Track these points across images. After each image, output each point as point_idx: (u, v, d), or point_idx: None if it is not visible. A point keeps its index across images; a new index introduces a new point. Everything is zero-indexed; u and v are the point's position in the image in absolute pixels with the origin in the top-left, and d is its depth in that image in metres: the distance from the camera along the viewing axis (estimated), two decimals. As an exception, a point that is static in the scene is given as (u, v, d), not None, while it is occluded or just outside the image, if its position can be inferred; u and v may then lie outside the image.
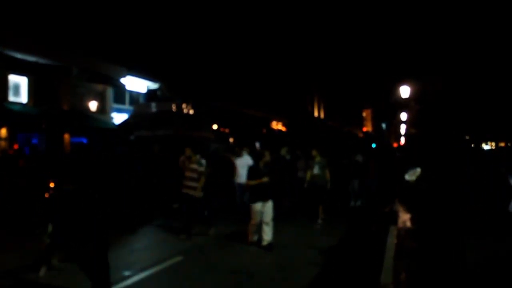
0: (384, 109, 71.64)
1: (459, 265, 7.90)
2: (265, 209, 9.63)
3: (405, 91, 35.02)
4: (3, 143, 18.91)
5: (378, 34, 71.51)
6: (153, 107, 25.28)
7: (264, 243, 9.61)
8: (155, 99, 27.87)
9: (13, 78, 20.33)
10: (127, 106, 27.65)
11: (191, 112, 26.14)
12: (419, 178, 18.41)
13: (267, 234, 9.61)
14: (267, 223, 9.63)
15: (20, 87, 20.68)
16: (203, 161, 11.20)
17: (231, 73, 33.45)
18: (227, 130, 30.20)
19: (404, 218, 13.31)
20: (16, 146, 17.85)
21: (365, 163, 17.74)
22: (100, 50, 23.72)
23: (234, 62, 33.86)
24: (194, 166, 10.91)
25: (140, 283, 7.34)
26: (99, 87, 24.95)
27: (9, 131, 19.32)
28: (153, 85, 29.25)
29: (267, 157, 10.18)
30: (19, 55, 19.98)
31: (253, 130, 31.38)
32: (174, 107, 24.66)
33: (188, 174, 10.87)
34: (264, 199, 9.66)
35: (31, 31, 20.35)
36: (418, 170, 18.51)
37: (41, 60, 20.82)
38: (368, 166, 17.79)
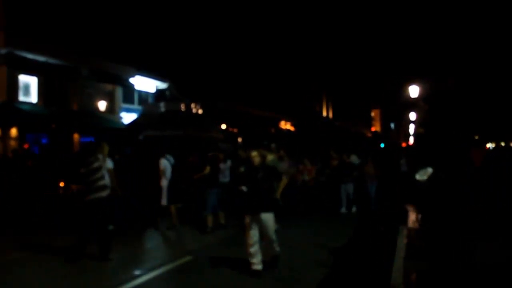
0: (393, 109, 71.43)
1: (469, 265, 7.84)
2: (263, 224, 7.67)
3: (414, 91, 34.88)
4: (13, 143, 19.01)
5: (387, 34, 71.26)
6: (162, 107, 25.34)
7: (266, 258, 7.89)
8: (164, 99, 27.95)
9: (23, 78, 20.45)
10: (136, 106, 27.72)
11: (200, 112, 26.18)
12: (430, 178, 18.10)
13: (271, 248, 7.92)
14: (271, 242, 7.85)
15: (30, 87, 20.79)
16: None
17: (240, 74, 33.43)
18: (235, 130, 30.20)
19: (415, 218, 13.25)
20: (26, 146, 17.95)
21: (361, 165, 15.97)
22: (109, 51, 23.81)
23: (243, 62, 33.84)
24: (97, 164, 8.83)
25: (149, 282, 7.34)
26: (108, 87, 25.04)
27: (19, 131, 19.42)
28: (162, 85, 29.31)
29: (255, 159, 8.13)
30: (29, 56, 20.09)
31: (262, 130, 31.35)
32: (182, 107, 24.72)
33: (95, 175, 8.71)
34: (251, 211, 7.76)
35: (41, 32, 20.45)
36: (430, 169, 18.20)
37: (51, 61, 20.94)
38: (364, 168, 15.82)
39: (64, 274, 7.71)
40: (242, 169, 9.29)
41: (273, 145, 14.17)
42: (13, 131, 19.47)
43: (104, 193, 8.51)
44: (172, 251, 9.57)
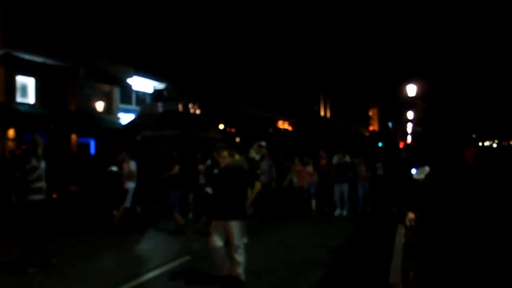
0: (391, 108, 71.55)
1: (468, 264, 7.87)
2: (229, 231, 7.00)
3: (411, 90, 34.98)
4: (11, 144, 18.99)
5: (384, 33, 71.31)
6: (160, 107, 25.36)
7: (232, 272, 7.03)
8: (162, 99, 27.95)
9: (20, 79, 20.43)
10: (133, 106, 27.72)
11: (198, 112, 26.21)
12: (427, 177, 18.06)
13: (236, 264, 6.98)
14: (235, 249, 6.98)
15: (27, 88, 20.77)
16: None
17: (237, 73, 33.44)
18: (233, 130, 30.22)
19: (413, 217, 13.29)
20: (24, 147, 17.90)
21: (353, 165, 15.24)
22: (107, 51, 23.79)
23: (240, 62, 33.85)
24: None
25: (149, 282, 7.36)
26: (106, 87, 25.02)
27: (16, 132, 19.40)
28: (160, 85, 29.31)
29: (222, 160, 7.44)
30: (26, 56, 20.06)
31: (260, 130, 31.37)
32: (180, 107, 24.74)
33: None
34: (216, 217, 7.20)
35: (38, 33, 20.41)
36: (427, 168, 18.14)
37: (48, 61, 20.91)
38: (356, 168, 15.20)
39: (64, 274, 7.73)
40: (215, 170, 8.30)
41: (263, 143, 13.89)
42: (11, 132, 19.45)
43: (38, 196, 8.05)
44: (172, 251, 9.58)
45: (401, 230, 10.78)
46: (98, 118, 23.48)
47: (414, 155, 29.17)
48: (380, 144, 46.88)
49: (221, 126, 28.89)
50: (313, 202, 15.04)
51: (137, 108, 27.54)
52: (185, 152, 14.19)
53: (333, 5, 48.30)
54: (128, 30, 25.04)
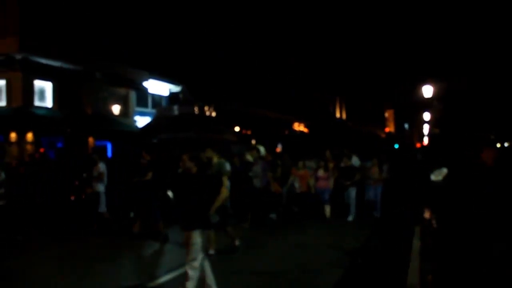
0: (407, 109, 71.05)
1: (485, 266, 7.79)
2: (188, 241, 6.34)
3: (427, 91, 34.69)
4: (29, 147, 19.20)
5: (400, 35, 70.93)
6: (175, 110, 25.43)
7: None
8: (177, 102, 28.05)
9: (38, 83, 20.66)
10: (149, 109, 27.87)
11: (213, 114, 26.24)
12: (445, 178, 17.78)
13: (186, 276, 6.27)
14: (189, 261, 6.28)
15: (45, 92, 21.01)
16: None
17: (253, 76, 33.47)
18: (249, 132, 30.22)
19: (430, 218, 13.18)
20: (42, 150, 18.11)
21: (361, 168, 14.38)
22: (123, 55, 23.97)
23: (256, 64, 33.88)
24: None
25: (166, 284, 7.38)
26: (122, 91, 25.20)
27: (34, 135, 19.61)
28: (175, 88, 29.45)
29: (187, 164, 6.62)
30: (44, 61, 20.28)
31: (275, 132, 31.34)
32: (196, 110, 24.77)
33: None
34: (178, 224, 6.73)
35: (55, 37, 20.64)
36: (444, 170, 17.89)
37: (65, 65, 21.12)
38: (368, 171, 14.30)
39: (82, 274, 7.79)
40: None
41: (261, 148, 13.48)
42: (29, 136, 19.67)
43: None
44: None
45: (418, 232, 10.69)
46: (114, 121, 23.65)
47: (431, 156, 28.92)
48: (396, 146, 46.54)
49: (237, 129, 28.91)
50: (327, 209, 13.58)
51: (153, 111, 27.68)
52: (162, 156, 13.48)
53: (349, 7, 48.18)
54: (144, 34, 25.20)
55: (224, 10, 30.47)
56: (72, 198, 13.15)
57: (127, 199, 12.51)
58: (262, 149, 14.07)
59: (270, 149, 18.82)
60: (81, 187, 13.21)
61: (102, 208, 11.88)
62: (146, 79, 26.32)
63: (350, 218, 13.46)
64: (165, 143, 21.42)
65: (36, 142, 19.66)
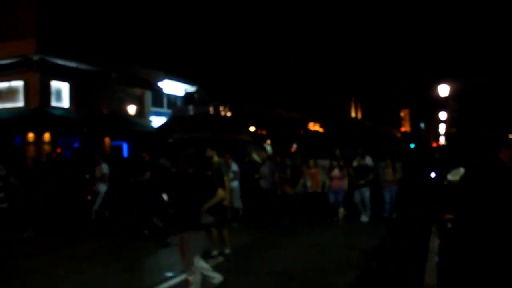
0: (423, 109, 70.59)
1: (504, 266, 7.70)
2: (184, 244, 6.15)
3: (443, 90, 34.43)
4: (46, 147, 19.37)
5: (416, 33, 70.49)
6: (191, 110, 25.51)
7: None
8: (193, 102, 28.13)
9: (55, 84, 20.82)
10: (165, 109, 27.98)
11: (228, 114, 26.26)
12: (462, 178, 17.51)
13: (187, 284, 6.10)
14: (186, 266, 6.13)
15: (62, 92, 21.17)
16: None
17: (267, 75, 33.45)
18: (264, 132, 30.19)
19: (447, 218, 13.05)
20: (59, 150, 18.27)
21: (375, 168, 14.06)
22: (138, 55, 24.09)
23: (271, 64, 33.87)
24: None
25: (182, 284, 7.39)
26: (138, 91, 25.32)
27: (52, 136, 19.78)
28: (191, 88, 29.53)
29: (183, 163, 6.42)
30: (60, 62, 20.44)
31: (291, 132, 31.29)
32: (211, 110, 24.82)
33: None
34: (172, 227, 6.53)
35: (71, 39, 20.80)
36: (462, 170, 17.65)
37: (82, 66, 21.27)
38: (377, 171, 13.97)
39: (99, 272, 7.85)
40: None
41: (267, 147, 13.26)
42: (46, 136, 19.84)
43: None
44: (204, 252, 9.61)
45: (435, 232, 10.60)
46: (130, 121, 23.78)
47: (448, 156, 28.67)
48: (412, 145, 46.24)
49: (252, 129, 28.90)
50: (341, 211, 13.28)
51: (168, 111, 27.78)
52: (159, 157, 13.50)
53: (364, 5, 47.97)
54: (159, 34, 25.31)
55: (237, 11, 30.50)
56: (89, 198, 13.22)
57: (126, 199, 12.53)
58: (269, 149, 13.90)
59: (285, 149, 18.77)
60: (85, 188, 13.27)
61: (96, 206, 12.00)
62: (162, 79, 26.42)
63: (364, 219, 13.25)
64: (180, 143, 21.49)
65: (53, 142, 19.83)
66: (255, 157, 12.87)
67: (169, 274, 7.91)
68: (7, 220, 11.07)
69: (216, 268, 8.21)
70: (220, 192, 6.47)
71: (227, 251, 8.90)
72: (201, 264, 6.21)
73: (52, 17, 20.40)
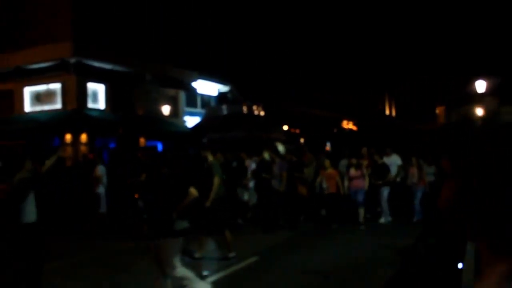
0: (459, 105, 69.28)
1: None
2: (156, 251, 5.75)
3: (480, 86, 33.75)
4: (83, 148, 19.74)
5: (451, 29, 69.27)
6: (224, 109, 25.66)
7: None
8: (226, 101, 28.26)
9: (91, 86, 21.20)
10: (199, 109, 28.17)
11: (262, 113, 26.32)
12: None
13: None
14: (174, 277, 5.74)
15: (98, 94, 21.54)
16: None
17: (301, 74, 33.38)
18: (297, 131, 30.15)
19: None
20: (91, 156, 18.56)
21: (403, 167, 13.48)
22: (172, 56, 24.32)
23: (304, 63, 33.78)
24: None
25: (217, 283, 7.46)
26: (172, 91, 25.57)
27: (88, 136, 20.15)
28: (224, 88, 29.67)
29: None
30: (96, 64, 20.81)
31: (324, 130, 31.15)
32: (245, 109, 24.91)
33: None
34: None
35: (106, 41, 21.15)
36: None
37: (117, 68, 21.60)
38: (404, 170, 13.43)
39: (137, 270, 7.96)
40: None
41: (280, 147, 13.01)
42: (83, 137, 20.23)
43: None
44: (239, 252, 9.68)
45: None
46: (164, 121, 24.02)
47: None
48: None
49: (285, 127, 28.90)
50: (361, 212, 12.58)
51: (202, 111, 27.98)
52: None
53: (398, 3, 47.42)
54: (192, 35, 25.50)
55: (270, 11, 30.52)
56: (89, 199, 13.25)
57: (124, 200, 12.64)
58: (281, 147, 13.72)
59: (319, 147, 18.68)
60: (86, 189, 13.38)
61: (102, 209, 12.11)
62: (195, 80, 26.62)
63: (382, 220, 12.82)
64: (214, 142, 21.63)
65: (90, 143, 20.20)
66: (266, 156, 12.71)
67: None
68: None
69: (249, 268, 8.30)
70: (193, 192, 6.00)
71: (232, 254, 8.62)
72: (185, 272, 5.80)
73: (87, 20, 20.79)
